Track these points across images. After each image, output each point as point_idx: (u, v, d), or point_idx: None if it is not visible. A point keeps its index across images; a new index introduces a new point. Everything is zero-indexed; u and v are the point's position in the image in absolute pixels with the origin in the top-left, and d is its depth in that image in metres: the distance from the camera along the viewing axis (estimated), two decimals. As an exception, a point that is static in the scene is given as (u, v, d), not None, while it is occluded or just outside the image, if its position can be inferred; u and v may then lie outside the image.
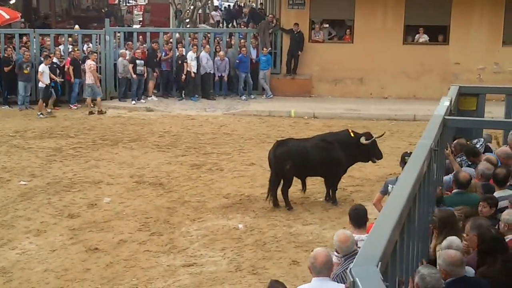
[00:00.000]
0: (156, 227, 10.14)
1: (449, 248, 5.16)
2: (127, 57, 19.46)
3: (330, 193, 11.19)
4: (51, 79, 18.29)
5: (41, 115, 17.77)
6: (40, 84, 18.00)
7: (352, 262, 5.33)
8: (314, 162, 10.88)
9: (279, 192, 10.96)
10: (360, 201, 11.02)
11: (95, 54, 18.94)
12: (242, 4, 40.03)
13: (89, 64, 18.23)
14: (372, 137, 10.99)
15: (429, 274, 4.49)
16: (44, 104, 18.03)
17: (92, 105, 18.40)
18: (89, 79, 18.24)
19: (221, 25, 33.64)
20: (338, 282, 5.36)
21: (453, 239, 5.39)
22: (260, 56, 20.15)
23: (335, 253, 5.87)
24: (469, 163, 8.37)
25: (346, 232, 5.87)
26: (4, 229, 10.02)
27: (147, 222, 10.36)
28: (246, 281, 8.34)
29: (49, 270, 8.64)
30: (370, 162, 11.39)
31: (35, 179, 12.46)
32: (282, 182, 10.94)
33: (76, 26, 22.86)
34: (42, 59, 18.40)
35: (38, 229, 10.02)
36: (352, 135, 11.03)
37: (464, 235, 5.72)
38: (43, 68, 17.89)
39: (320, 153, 10.91)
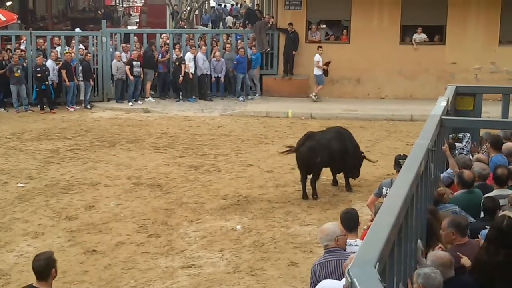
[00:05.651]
0: (154, 229, 10.13)
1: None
2: (123, 59, 19.44)
3: (349, 182, 11.88)
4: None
5: None
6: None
7: (329, 256, 5.51)
8: (337, 153, 11.47)
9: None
10: (357, 201, 11.07)
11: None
12: (239, 5, 40.14)
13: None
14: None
15: (432, 271, 4.49)
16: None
17: None
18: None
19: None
20: (318, 273, 5.52)
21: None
22: (251, 54, 20.12)
23: None
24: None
25: (327, 224, 5.91)
26: (2, 232, 10.01)
27: (145, 223, 10.35)
28: (244, 283, 8.34)
29: (47, 273, 8.62)
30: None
31: (33, 181, 12.45)
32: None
33: (77, 29, 22.80)
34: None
35: (36, 231, 10.01)
36: None
37: (441, 231, 5.77)
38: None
39: (340, 144, 11.57)
